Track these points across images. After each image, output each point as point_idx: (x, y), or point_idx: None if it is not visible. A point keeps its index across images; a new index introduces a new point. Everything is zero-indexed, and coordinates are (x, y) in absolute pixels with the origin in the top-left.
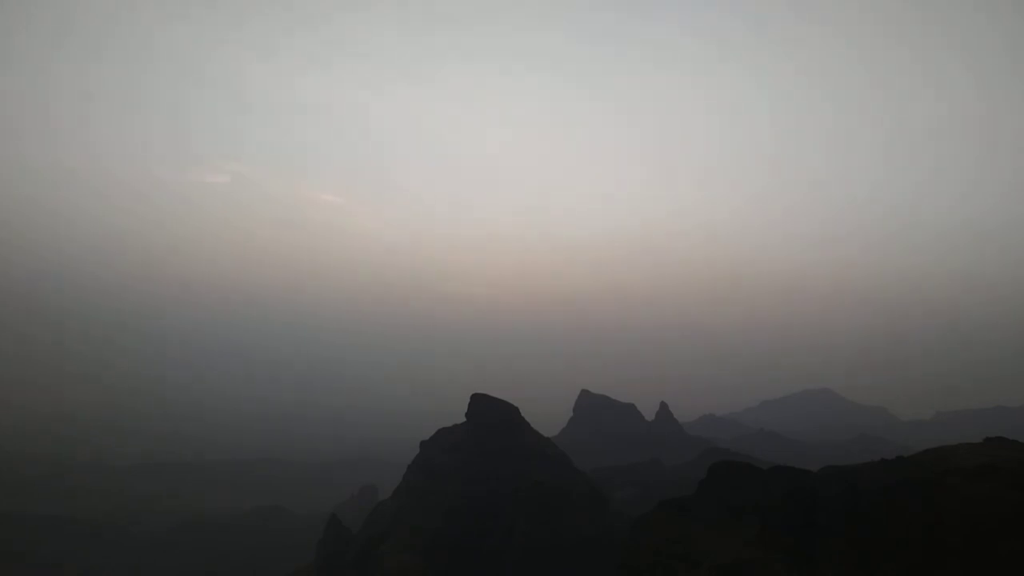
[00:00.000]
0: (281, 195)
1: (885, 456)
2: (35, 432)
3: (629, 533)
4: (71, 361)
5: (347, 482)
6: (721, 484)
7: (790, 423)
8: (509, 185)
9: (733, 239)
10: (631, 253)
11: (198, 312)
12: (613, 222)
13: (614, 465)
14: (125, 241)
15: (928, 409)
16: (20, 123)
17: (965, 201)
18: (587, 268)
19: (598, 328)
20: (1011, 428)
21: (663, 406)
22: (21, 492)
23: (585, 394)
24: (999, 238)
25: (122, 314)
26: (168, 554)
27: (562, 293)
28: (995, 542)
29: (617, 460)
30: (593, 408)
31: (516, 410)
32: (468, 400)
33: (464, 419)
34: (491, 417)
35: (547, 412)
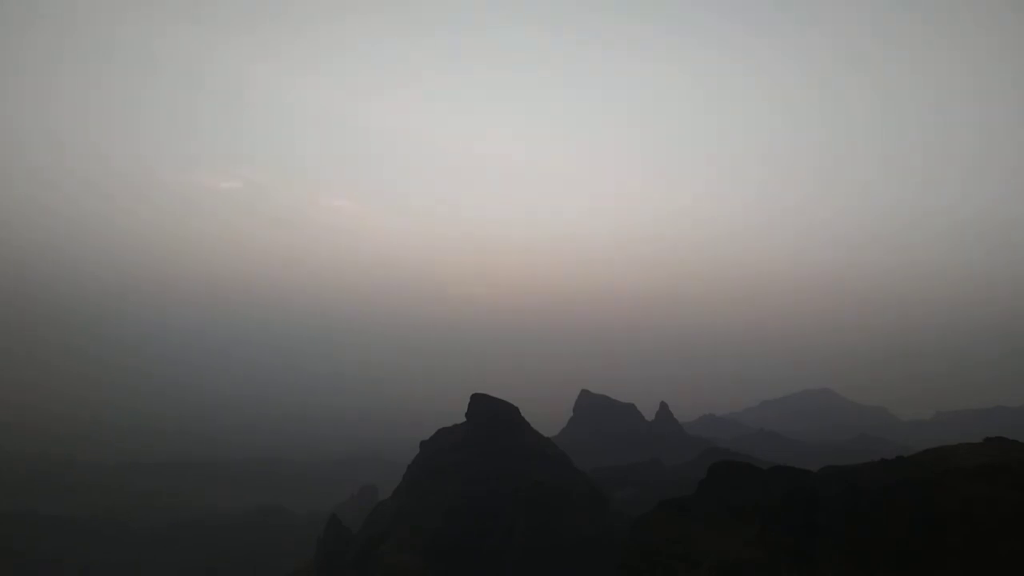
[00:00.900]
0: (283, 197)
1: (885, 456)
2: (35, 430)
3: (629, 533)
4: (73, 361)
5: (347, 482)
6: (721, 484)
7: (790, 423)
8: (508, 186)
9: (733, 239)
10: (631, 253)
11: (197, 312)
12: (613, 222)
13: (614, 465)
14: (131, 243)
15: (928, 409)
16: (22, 126)
17: (966, 200)
18: (587, 268)
19: (598, 328)
20: (1011, 428)
21: (663, 406)
22: (21, 490)
23: (585, 394)
24: (999, 237)
25: (127, 314)
26: (168, 551)
27: (562, 293)
28: (995, 542)
29: (617, 460)
30: (593, 408)
31: (516, 410)
32: (468, 400)
33: (464, 419)
34: (491, 417)
35: (547, 412)
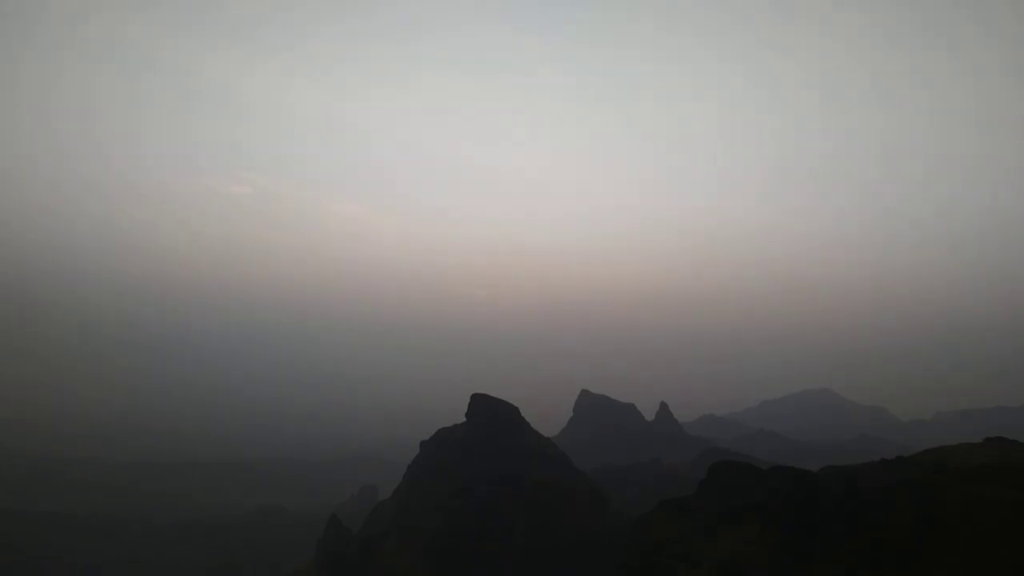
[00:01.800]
0: (292, 202)
1: (885, 456)
2: (36, 428)
3: (629, 533)
4: (74, 360)
5: (347, 482)
6: (721, 484)
7: (790, 423)
8: (509, 188)
9: (734, 240)
10: (632, 254)
11: (203, 314)
12: (614, 223)
13: (614, 465)
14: (144, 246)
15: (928, 409)
16: (26, 131)
17: (965, 200)
18: (587, 269)
19: (598, 328)
20: (1011, 428)
21: (663, 406)
22: (22, 488)
23: (585, 394)
24: (999, 237)
25: (136, 315)
26: (168, 551)
27: (562, 293)
28: (995, 542)
29: (617, 460)
30: (593, 408)
31: (516, 410)
32: (468, 400)
33: (464, 419)
34: (491, 417)
35: (547, 412)
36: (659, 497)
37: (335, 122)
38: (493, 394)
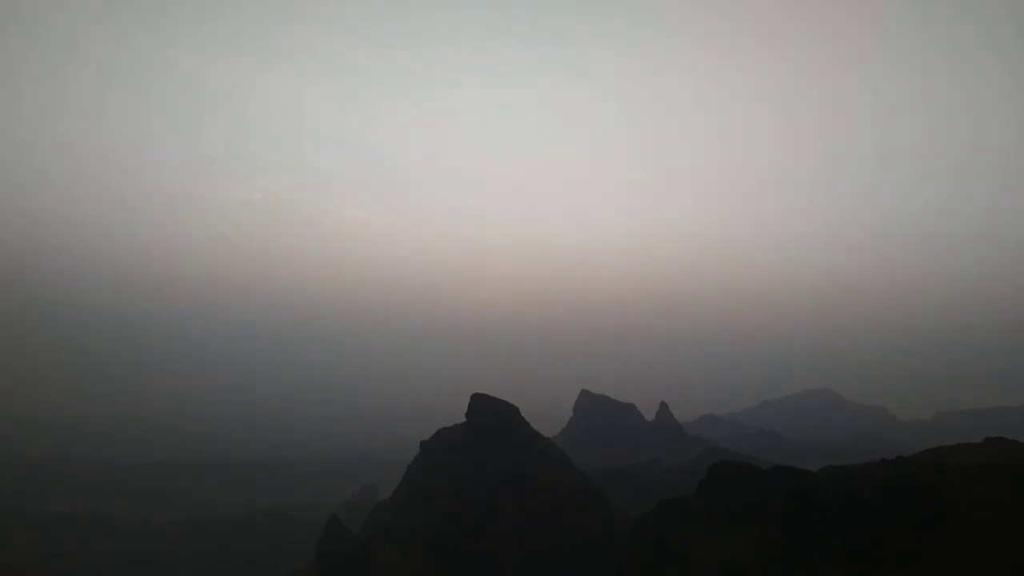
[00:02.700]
0: (297, 204)
1: (885, 456)
2: (38, 428)
3: (629, 533)
4: (76, 360)
5: (347, 482)
6: (721, 484)
7: (790, 423)
8: (509, 189)
9: (734, 240)
10: (631, 254)
11: (199, 312)
12: (615, 224)
13: (614, 465)
14: (154, 249)
15: (928, 409)
16: (33, 137)
17: (965, 200)
18: (587, 269)
19: (598, 328)
20: (1011, 428)
21: (663, 406)
22: (23, 487)
23: (585, 394)
24: (999, 237)
25: (134, 315)
26: (168, 551)
27: (562, 294)
28: (995, 542)
29: (617, 460)
30: (593, 408)
31: (516, 410)
32: (468, 400)
33: (464, 419)
34: (491, 417)
35: (547, 412)
36: (659, 497)
37: (346, 128)
38: (493, 394)
